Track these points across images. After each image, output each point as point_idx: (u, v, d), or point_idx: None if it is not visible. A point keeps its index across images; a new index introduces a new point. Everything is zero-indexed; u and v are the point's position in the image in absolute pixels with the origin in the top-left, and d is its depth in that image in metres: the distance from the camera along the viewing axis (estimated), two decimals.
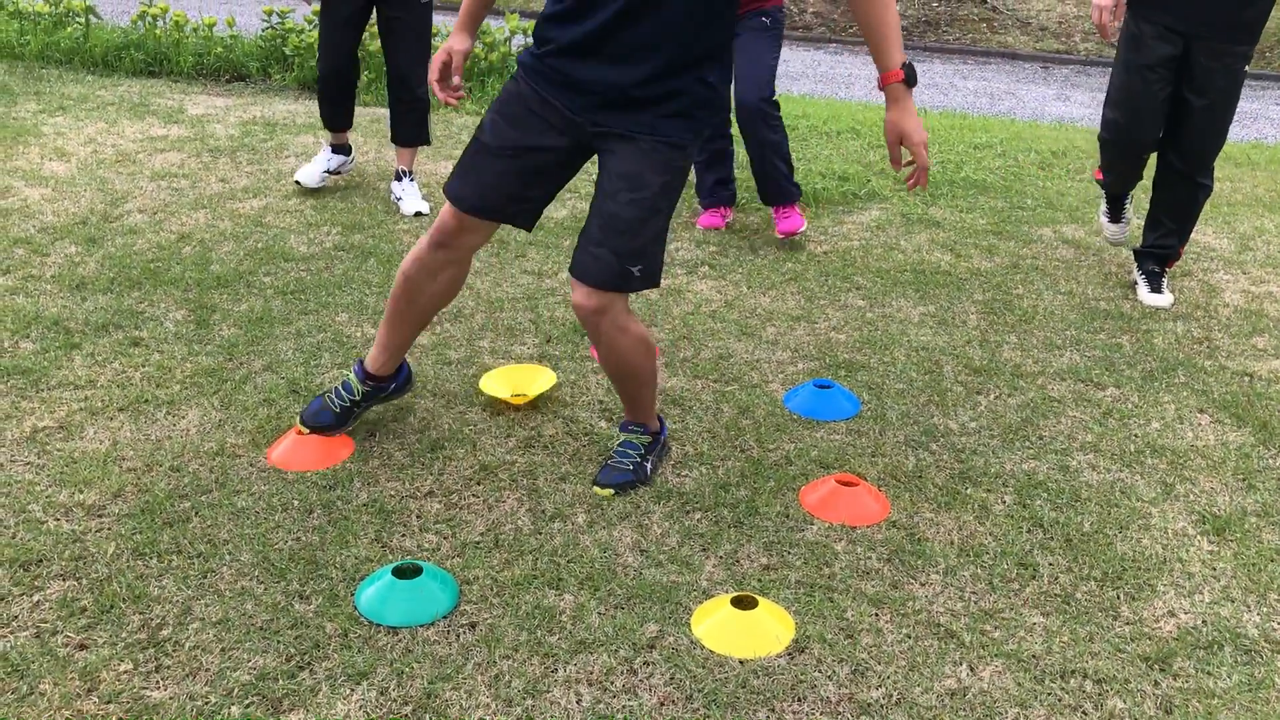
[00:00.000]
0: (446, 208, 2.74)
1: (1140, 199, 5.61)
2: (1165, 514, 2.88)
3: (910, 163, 2.55)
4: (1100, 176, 4.60)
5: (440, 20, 5.25)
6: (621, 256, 2.58)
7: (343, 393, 2.99)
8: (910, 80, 2.49)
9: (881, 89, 2.52)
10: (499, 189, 2.67)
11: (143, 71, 7.54)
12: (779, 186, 4.72)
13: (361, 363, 2.99)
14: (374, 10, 4.83)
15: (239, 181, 5.26)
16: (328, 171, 5.14)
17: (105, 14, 8.97)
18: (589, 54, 2.52)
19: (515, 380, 3.34)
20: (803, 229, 4.73)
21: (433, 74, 2.74)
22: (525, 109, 2.63)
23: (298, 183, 5.07)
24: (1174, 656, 2.35)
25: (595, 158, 2.69)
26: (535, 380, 3.34)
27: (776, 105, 4.65)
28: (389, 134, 5.15)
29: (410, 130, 5.01)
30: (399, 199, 5.03)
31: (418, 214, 4.95)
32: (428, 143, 5.13)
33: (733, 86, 4.67)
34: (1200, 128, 4.05)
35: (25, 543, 2.55)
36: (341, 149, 5.19)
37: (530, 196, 2.72)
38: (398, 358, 2.99)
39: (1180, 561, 2.68)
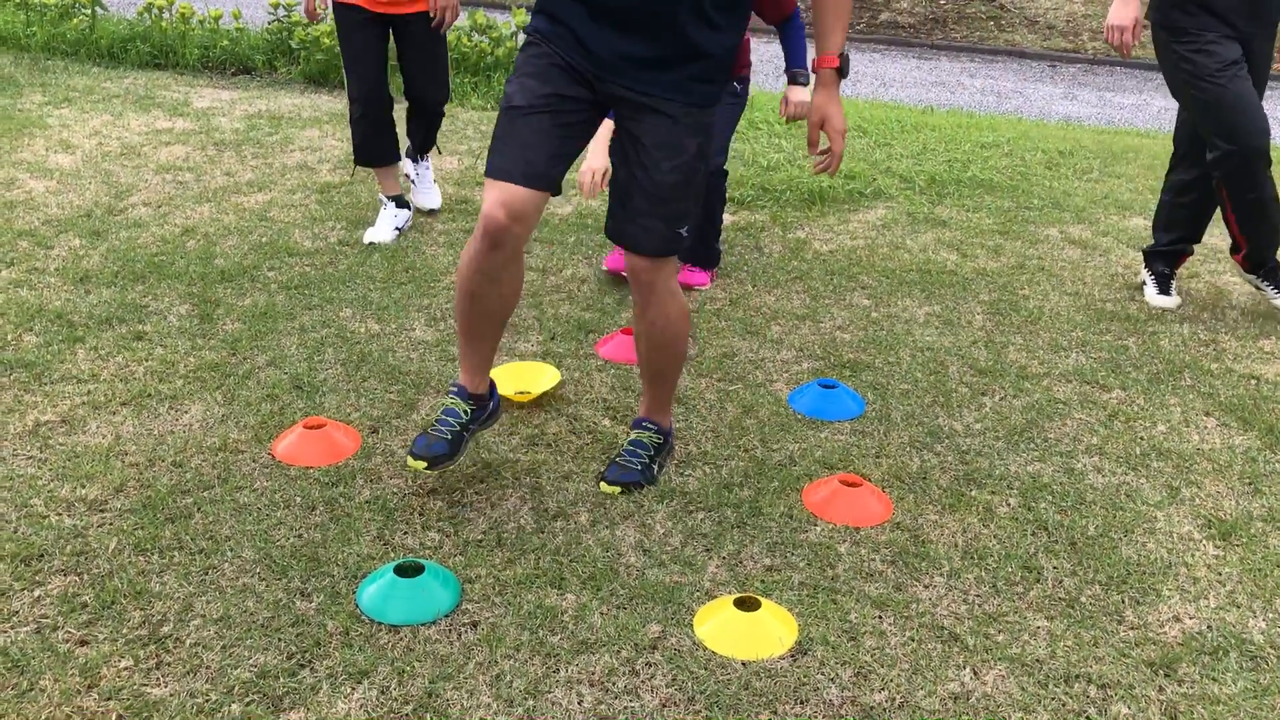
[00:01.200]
0: (492, 197, 2.53)
1: (1148, 198, 5.59)
2: (1171, 518, 2.87)
3: (824, 151, 2.70)
4: (1243, 254, 4.08)
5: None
6: (670, 222, 2.66)
7: (448, 419, 2.73)
8: (843, 70, 2.63)
9: (814, 71, 2.64)
10: (541, 148, 2.54)
11: (148, 64, 7.54)
12: (696, 250, 4.24)
13: (460, 386, 2.78)
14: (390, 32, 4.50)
15: (244, 175, 5.26)
16: (398, 229, 4.61)
17: (111, 6, 8.96)
18: (601, 22, 2.52)
19: (519, 377, 3.33)
20: (704, 287, 4.24)
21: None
22: (548, 64, 2.56)
23: (371, 244, 4.49)
24: (1179, 662, 2.34)
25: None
26: (539, 378, 3.33)
27: (725, 174, 4.33)
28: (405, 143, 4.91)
29: (425, 141, 4.84)
30: (413, 181, 4.84)
31: (431, 211, 4.86)
32: (433, 145, 4.93)
33: None
34: None
35: (27, 537, 2.54)
36: (403, 203, 4.67)
37: (566, 154, 2.61)
38: (486, 371, 2.80)
39: (1186, 566, 2.67)
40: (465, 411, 2.76)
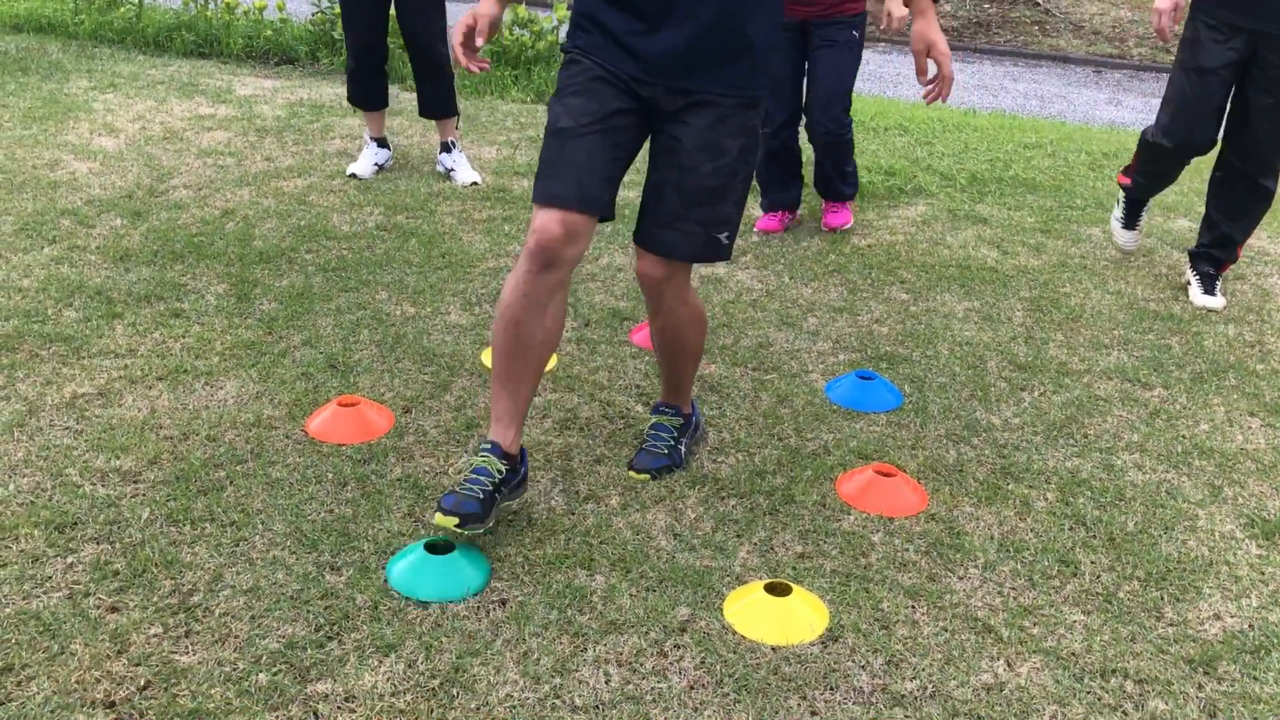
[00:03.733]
0: (542, 220, 2.43)
1: (1193, 200, 5.51)
2: (1212, 516, 2.81)
3: (933, 80, 2.63)
4: (1126, 180, 4.52)
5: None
6: (709, 226, 2.58)
7: (479, 479, 2.47)
8: None
9: (907, 4, 2.61)
10: (594, 171, 2.46)
11: (193, 52, 7.60)
12: (834, 186, 4.81)
13: (493, 443, 2.52)
14: None
15: (284, 161, 5.28)
16: (378, 165, 5.18)
17: None
18: (645, 23, 2.44)
19: None
20: (848, 225, 4.82)
21: (456, 37, 2.55)
22: (591, 79, 2.49)
23: (353, 175, 5.08)
24: (1219, 660, 2.29)
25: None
26: None
27: (850, 118, 4.65)
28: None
29: (438, 102, 5.07)
30: (451, 169, 5.15)
31: (474, 184, 5.07)
32: (456, 114, 5.15)
33: (810, 97, 4.56)
34: (1265, 128, 3.95)
35: (61, 506, 2.55)
36: (384, 144, 5.23)
37: (615, 176, 2.53)
38: (520, 425, 2.56)
39: (1227, 564, 2.61)
40: (499, 471, 2.49)
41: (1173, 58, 4.11)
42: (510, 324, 2.47)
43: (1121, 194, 4.60)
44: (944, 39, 2.59)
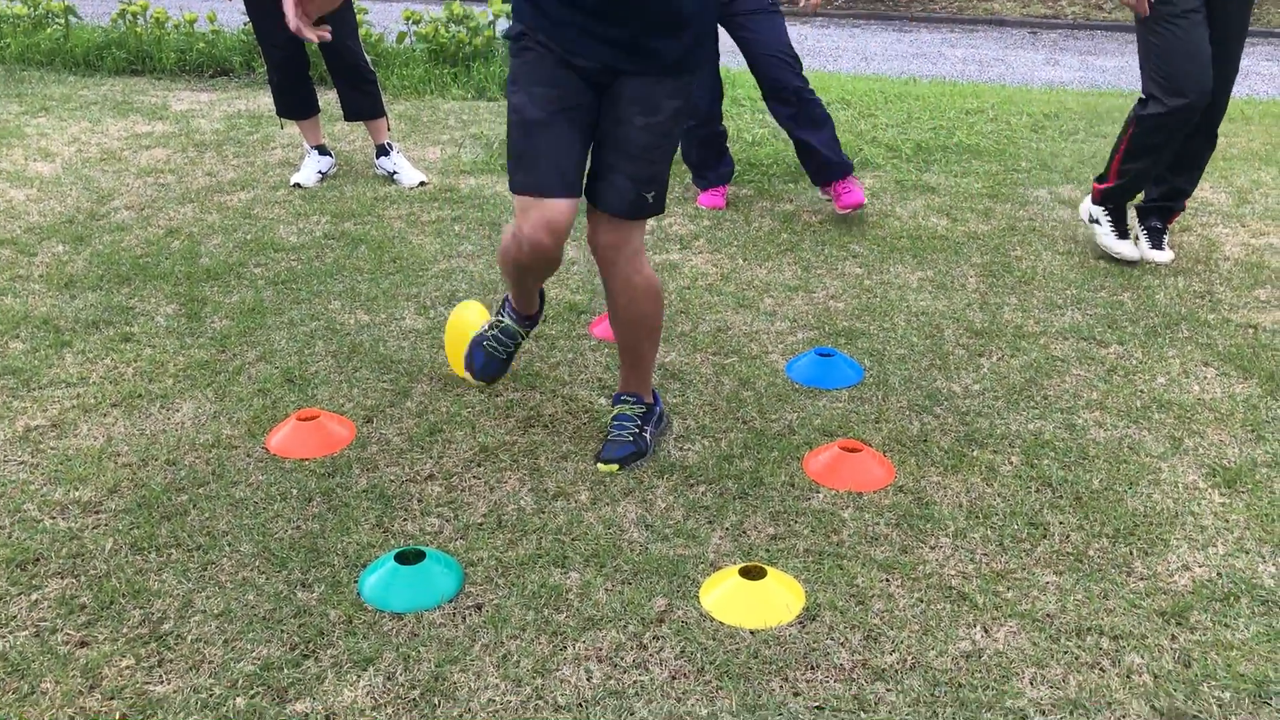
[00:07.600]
0: (535, 219, 2.52)
1: None
2: (1175, 468, 2.84)
3: None
4: (1105, 185, 4.15)
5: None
6: (638, 183, 2.59)
7: (504, 338, 3.00)
8: None
9: None
10: (569, 156, 2.53)
11: (125, 70, 7.49)
12: (831, 164, 4.58)
13: (510, 306, 2.99)
14: None
15: (226, 175, 5.21)
16: (321, 173, 5.12)
17: (85, 14, 8.90)
18: (580, 9, 2.47)
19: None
20: (864, 201, 4.57)
21: (289, 9, 2.38)
22: (551, 66, 2.51)
23: (297, 185, 5.02)
24: (1190, 610, 2.32)
25: None
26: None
27: (807, 81, 4.61)
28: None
29: (364, 103, 5.02)
30: (394, 173, 5.09)
31: (421, 185, 5.04)
32: (383, 114, 5.09)
33: (759, 67, 4.49)
34: (1219, 74, 3.96)
35: (22, 542, 2.51)
36: (325, 150, 5.18)
37: (584, 158, 2.60)
38: (535, 297, 2.97)
39: (1192, 515, 2.65)
40: (520, 333, 3.02)
41: (1107, 15, 4.08)
42: (513, 274, 2.81)
43: (1098, 209, 4.21)
44: None
